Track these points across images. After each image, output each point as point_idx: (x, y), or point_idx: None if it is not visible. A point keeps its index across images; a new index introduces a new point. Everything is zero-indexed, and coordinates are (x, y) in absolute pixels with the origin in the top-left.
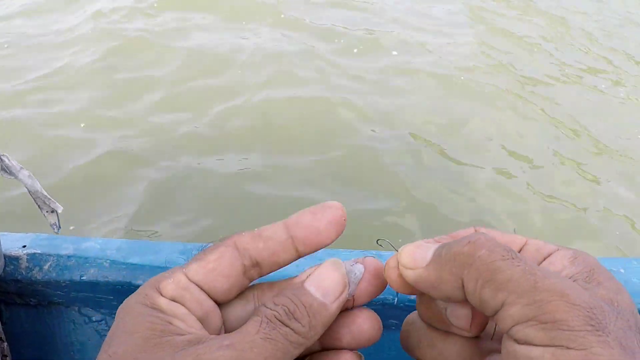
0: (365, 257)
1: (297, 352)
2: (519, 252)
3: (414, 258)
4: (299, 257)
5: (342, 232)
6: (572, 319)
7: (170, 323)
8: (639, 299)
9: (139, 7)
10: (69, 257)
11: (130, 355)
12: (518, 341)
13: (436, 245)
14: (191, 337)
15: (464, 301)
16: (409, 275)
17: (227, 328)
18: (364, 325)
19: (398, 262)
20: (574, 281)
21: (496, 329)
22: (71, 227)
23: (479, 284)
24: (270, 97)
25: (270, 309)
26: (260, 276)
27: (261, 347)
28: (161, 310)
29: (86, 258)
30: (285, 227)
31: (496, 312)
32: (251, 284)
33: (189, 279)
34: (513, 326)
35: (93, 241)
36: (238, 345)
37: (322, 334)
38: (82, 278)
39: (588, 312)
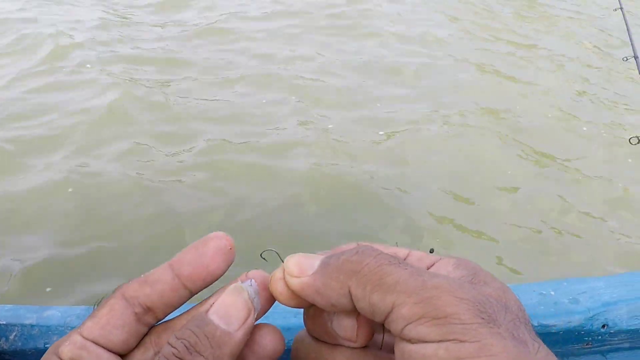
0: (249, 272)
1: None
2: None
3: (300, 266)
4: (193, 294)
5: (232, 261)
6: (462, 312)
7: None
8: (568, 319)
9: None
10: (32, 326)
11: None
12: (411, 340)
13: (323, 256)
14: None
15: (350, 311)
16: (295, 283)
17: None
18: (264, 340)
19: (284, 274)
20: None
21: (385, 337)
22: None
23: (368, 289)
24: None
25: (172, 345)
26: (158, 320)
27: None
28: None
29: (49, 327)
30: (171, 268)
31: (387, 316)
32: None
33: (85, 337)
34: (405, 326)
35: (55, 309)
36: None
37: None
38: (46, 346)
39: (478, 305)
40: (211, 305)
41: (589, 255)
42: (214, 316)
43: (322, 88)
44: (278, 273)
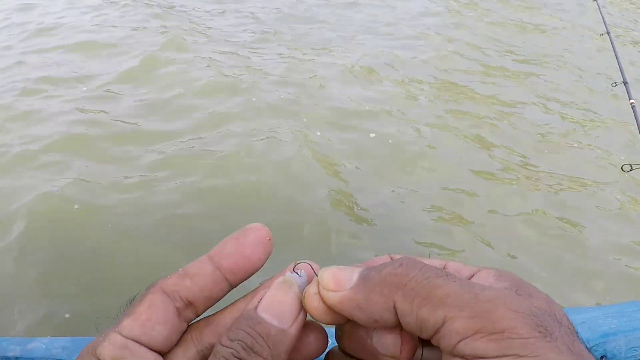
0: (297, 263)
1: None
2: None
3: (338, 280)
4: (232, 287)
5: (270, 253)
6: (520, 326)
7: None
8: None
9: None
10: (16, 358)
11: None
12: (466, 357)
13: (360, 269)
14: None
15: (392, 326)
16: (332, 298)
17: None
18: (308, 338)
19: (319, 288)
20: None
21: (423, 352)
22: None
23: (416, 303)
24: None
25: (227, 347)
26: (198, 315)
27: None
28: None
29: (32, 359)
30: (210, 260)
31: (437, 331)
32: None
33: (124, 337)
34: (459, 342)
35: (39, 341)
36: None
37: None
38: None
39: (534, 318)
40: (259, 301)
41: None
42: (266, 314)
43: None
44: (312, 288)
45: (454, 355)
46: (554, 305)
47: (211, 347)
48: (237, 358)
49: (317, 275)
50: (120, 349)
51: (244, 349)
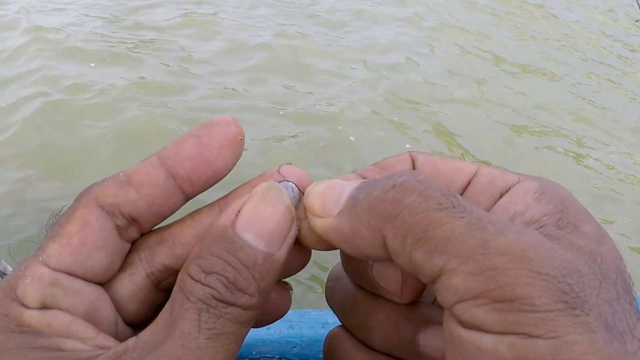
0: (281, 167)
1: (248, 329)
2: (467, 185)
3: (324, 202)
4: (188, 199)
5: (240, 156)
6: (538, 294)
7: (61, 349)
8: None
9: None
10: None
11: None
12: (463, 324)
13: (354, 185)
14: None
15: (391, 261)
16: (317, 224)
17: (122, 312)
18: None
19: (305, 211)
20: (540, 228)
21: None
22: None
23: (408, 242)
24: None
25: (202, 283)
26: (143, 233)
27: (211, 351)
28: (38, 334)
29: None
30: (162, 164)
31: (433, 281)
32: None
33: (53, 269)
34: (456, 303)
35: None
36: None
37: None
38: None
39: (560, 282)
40: (237, 215)
41: None
42: (249, 234)
43: None
44: (300, 212)
45: (452, 316)
46: (607, 244)
47: (165, 270)
48: (220, 300)
49: (302, 193)
50: (50, 286)
51: (226, 286)
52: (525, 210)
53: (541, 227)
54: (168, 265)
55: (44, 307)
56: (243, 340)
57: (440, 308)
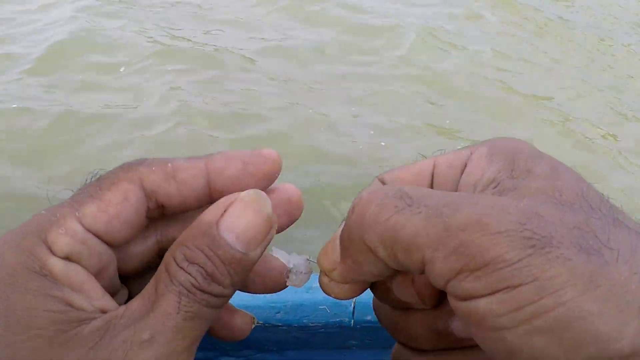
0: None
1: (218, 312)
2: (432, 180)
3: (330, 258)
4: (210, 204)
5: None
6: (505, 250)
7: (71, 304)
8: None
9: None
10: None
11: (35, 356)
12: (460, 298)
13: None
14: (98, 324)
15: (403, 275)
16: (336, 277)
17: (122, 267)
18: (269, 271)
19: (325, 276)
20: (496, 187)
21: None
22: None
23: (388, 250)
24: None
25: (184, 270)
26: (161, 216)
27: (186, 330)
28: (55, 282)
29: None
30: (206, 172)
31: (422, 272)
32: None
33: (85, 228)
34: (446, 284)
35: None
36: (160, 338)
37: None
38: None
39: (521, 231)
40: (223, 215)
41: None
42: (229, 235)
43: None
44: (322, 277)
45: (450, 295)
46: (563, 175)
47: (172, 242)
48: (197, 288)
49: (314, 262)
50: (79, 243)
51: (204, 277)
52: (482, 175)
53: (497, 185)
54: (174, 238)
55: (67, 259)
56: (211, 323)
57: None
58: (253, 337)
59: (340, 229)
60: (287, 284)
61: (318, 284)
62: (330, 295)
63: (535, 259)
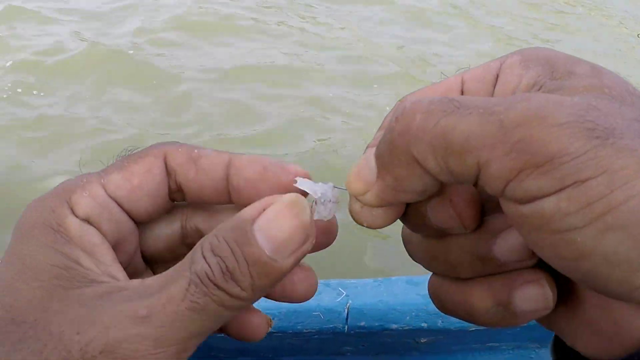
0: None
1: (232, 316)
2: (462, 93)
3: (363, 179)
4: (229, 204)
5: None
6: (569, 142)
7: (78, 263)
8: None
9: None
10: None
11: (26, 311)
12: (521, 201)
13: (373, 149)
14: (102, 289)
15: (443, 194)
16: (371, 200)
17: (145, 249)
18: (296, 277)
19: (354, 200)
20: (540, 89)
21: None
22: None
23: (439, 157)
24: None
25: (205, 261)
26: (184, 201)
27: (187, 320)
28: (68, 239)
29: None
30: (227, 166)
31: (477, 180)
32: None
33: (109, 195)
34: (505, 187)
35: None
36: (157, 320)
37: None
38: None
39: (582, 122)
40: (259, 214)
41: None
42: (261, 235)
43: None
44: (353, 204)
45: (508, 200)
46: (606, 75)
47: (196, 231)
48: (212, 282)
49: (344, 189)
50: (100, 207)
51: (222, 272)
52: (520, 81)
53: (540, 87)
54: (200, 229)
55: (86, 220)
56: (221, 324)
57: (498, 216)
58: (247, 344)
59: (371, 149)
60: (314, 217)
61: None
62: (362, 224)
63: (602, 150)
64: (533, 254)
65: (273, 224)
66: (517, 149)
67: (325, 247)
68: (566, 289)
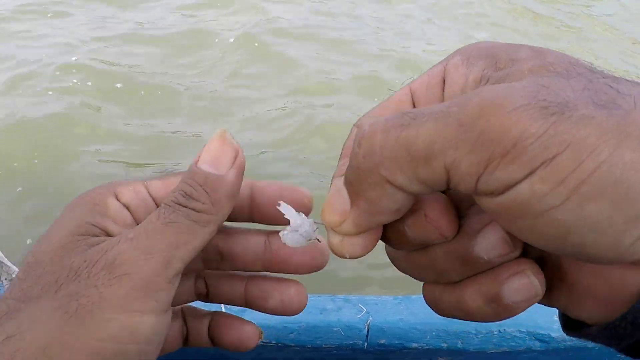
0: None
1: (207, 231)
2: (413, 107)
3: (337, 210)
4: (251, 221)
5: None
6: (529, 124)
7: (106, 230)
8: None
9: None
10: None
11: (47, 254)
12: (495, 192)
13: (342, 178)
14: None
15: (415, 207)
16: (349, 229)
17: None
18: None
19: (331, 233)
20: (487, 82)
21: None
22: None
23: (407, 171)
24: None
25: (172, 195)
26: None
27: (164, 232)
28: (105, 213)
29: None
30: (251, 187)
31: (449, 183)
32: None
33: (149, 193)
34: (477, 183)
35: None
36: (140, 236)
37: (231, 207)
38: None
39: (536, 102)
40: (199, 156)
41: None
42: (204, 165)
43: None
44: (332, 237)
45: (482, 195)
46: (548, 54)
47: (215, 246)
48: (178, 203)
49: (321, 223)
50: (140, 200)
51: (183, 196)
52: (466, 79)
53: (487, 80)
54: (218, 246)
55: (126, 207)
56: (199, 241)
57: (473, 216)
58: (265, 356)
59: (338, 179)
60: (282, 240)
61: (330, 305)
62: (345, 256)
63: (561, 125)
64: (514, 245)
65: (206, 152)
66: (479, 143)
67: (317, 270)
68: (557, 267)
